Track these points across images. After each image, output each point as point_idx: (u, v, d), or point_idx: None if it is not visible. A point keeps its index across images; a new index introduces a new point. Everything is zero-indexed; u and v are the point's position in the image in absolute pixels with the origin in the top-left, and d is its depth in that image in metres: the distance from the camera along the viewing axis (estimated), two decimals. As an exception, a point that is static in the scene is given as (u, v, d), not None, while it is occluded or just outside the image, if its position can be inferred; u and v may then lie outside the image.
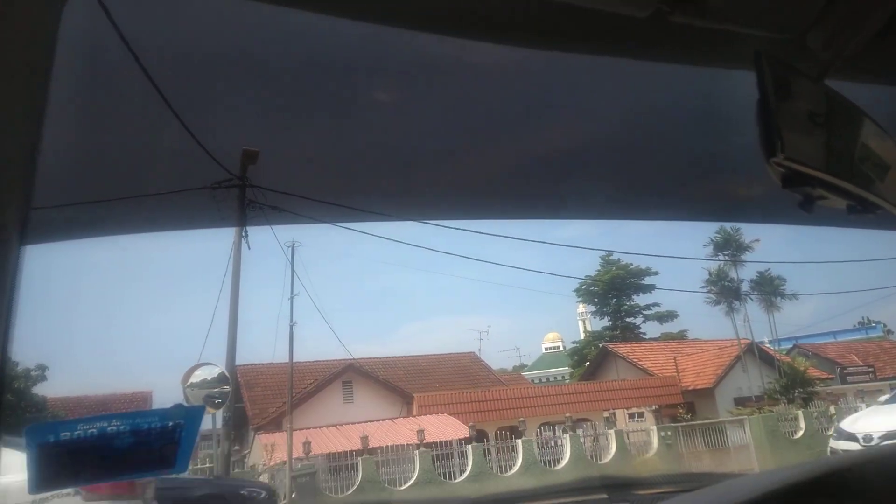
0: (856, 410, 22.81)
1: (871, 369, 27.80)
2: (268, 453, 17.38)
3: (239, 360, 14.49)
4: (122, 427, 1.02)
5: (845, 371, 27.44)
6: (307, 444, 17.31)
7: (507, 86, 1.47)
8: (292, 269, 17.30)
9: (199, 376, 10.44)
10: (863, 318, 38.94)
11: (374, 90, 1.51)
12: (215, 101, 1.54)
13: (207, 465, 15.10)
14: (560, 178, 1.87)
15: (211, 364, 11.03)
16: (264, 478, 16.76)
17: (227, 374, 11.46)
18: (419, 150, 1.77)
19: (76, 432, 0.98)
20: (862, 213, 0.92)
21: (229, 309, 12.98)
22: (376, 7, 0.87)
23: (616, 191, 1.94)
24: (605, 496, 1.75)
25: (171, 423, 1.08)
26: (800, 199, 0.88)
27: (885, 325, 38.70)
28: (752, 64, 0.79)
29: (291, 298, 17.39)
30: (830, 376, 26.95)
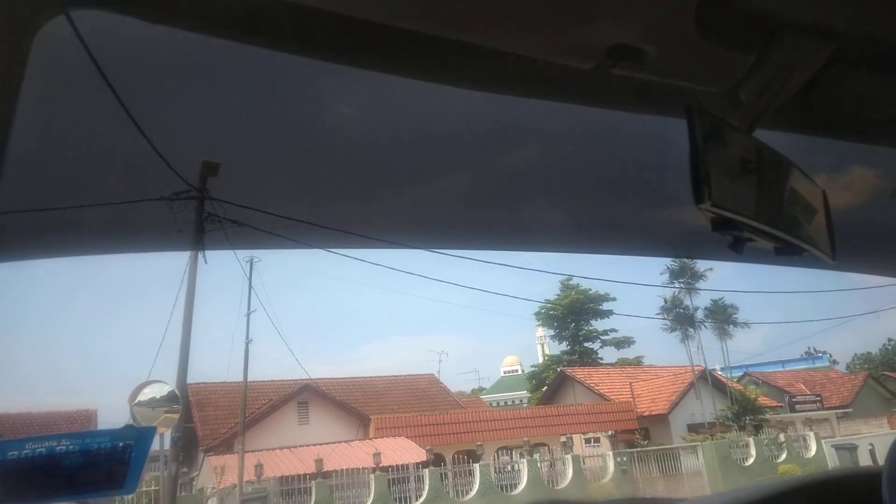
0: (805, 439, 23.46)
1: (818, 398, 28.68)
2: (217, 476, 16.89)
3: (191, 379, 14.11)
4: (71, 447, 1.01)
5: (794, 399, 28.25)
6: (259, 467, 16.90)
7: (465, 116, 1.52)
8: (250, 285, 17.12)
9: (147, 394, 10.10)
10: (809, 347, 40.38)
11: (339, 103, 1.52)
12: (176, 110, 1.52)
13: (153, 487, 14.58)
14: (517, 211, 1.93)
15: (160, 382, 10.68)
16: (213, 502, 16.27)
17: (177, 392, 11.12)
18: (381, 169, 1.80)
19: (24, 451, 0.97)
20: (788, 254, 1.00)
21: (182, 325, 12.65)
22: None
23: (569, 226, 2.01)
24: None
25: (120, 444, 1.08)
26: (730, 241, 0.95)
27: (830, 356, 40.17)
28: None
29: (248, 315, 17.11)
30: (780, 404, 27.72)
